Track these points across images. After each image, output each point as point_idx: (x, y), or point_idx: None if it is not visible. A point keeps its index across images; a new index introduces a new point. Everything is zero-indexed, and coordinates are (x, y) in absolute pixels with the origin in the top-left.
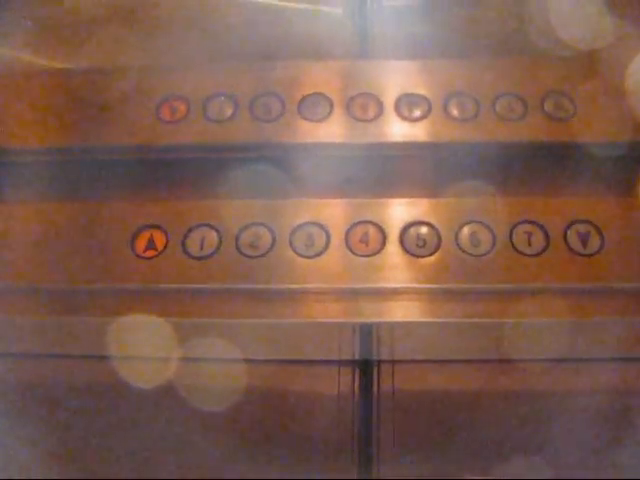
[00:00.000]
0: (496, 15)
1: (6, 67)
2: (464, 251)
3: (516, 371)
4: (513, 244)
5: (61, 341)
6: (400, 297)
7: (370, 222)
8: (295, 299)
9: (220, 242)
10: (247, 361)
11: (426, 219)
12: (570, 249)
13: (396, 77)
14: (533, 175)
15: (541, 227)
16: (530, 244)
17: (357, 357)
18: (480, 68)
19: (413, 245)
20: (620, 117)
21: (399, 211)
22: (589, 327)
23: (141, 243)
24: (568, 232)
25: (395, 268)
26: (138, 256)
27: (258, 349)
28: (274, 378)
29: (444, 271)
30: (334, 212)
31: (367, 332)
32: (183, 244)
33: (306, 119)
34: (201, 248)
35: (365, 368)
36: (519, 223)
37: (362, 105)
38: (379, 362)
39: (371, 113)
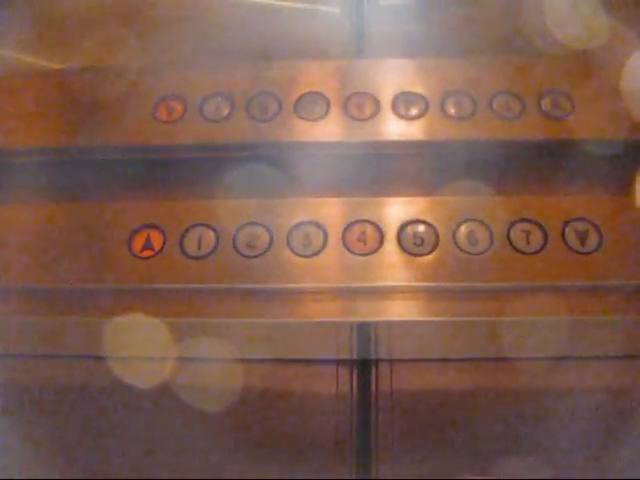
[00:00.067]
0: (493, 14)
1: (4, 67)
2: (462, 249)
3: (514, 370)
4: (511, 242)
5: (58, 341)
6: (398, 296)
7: (367, 221)
8: (293, 298)
9: (217, 242)
10: (245, 361)
11: (423, 218)
12: (568, 247)
13: (393, 76)
14: (531, 173)
15: (539, 225)
16: (528, 242)
17: (355, 356)
18: (477, 66)
19: (411, 244)
20: (617, 115)
21: (396, 210)
22: (588, 325)
23: (138, 243)
24: (566, 230)
25: (393, 267)
26: (135, 256)
27: (256, 349)
28: (272, 378)
29: (442, 270)
30: (331, 211)
31: (365, 331)
32: (180, 244)
33: (303, 118)
34: (198, 248)
35: (363, 367)
36: (517, 221)
37: (359, 104)
38: (377, 361)
39: (368, 112)
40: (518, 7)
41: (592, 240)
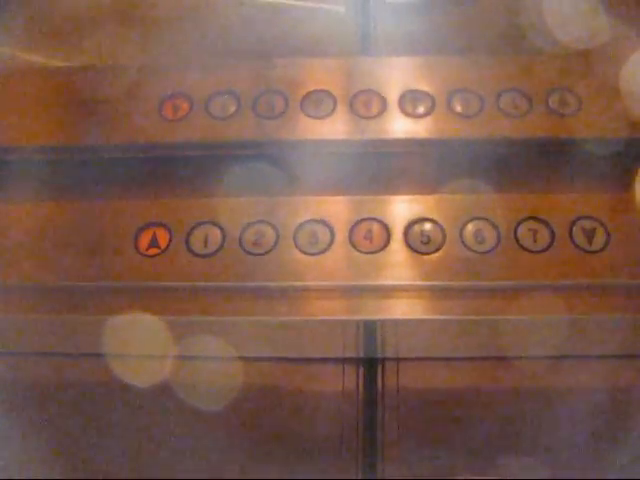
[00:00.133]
0: (499, 13)
1: (8, 65)
2: (468, 248)
3: (521, 368)
4: (518, 241)
5: (64, 339)
6: (404, 294)
7: (374, 219)
8: (299, 296)
9: (224, 240)
10: (251, 359)
11: (430, 216)
12: (575, 246)
13: (400, 73)
14: (538, 171)
15: (546, 224)
16: (535, 241)
17: (361, 355)
18: (484, 64)
19: (417, 242)
20: (625, 113)
21: (403, 208)
22: (596, 324)
23: (144, 241)
24: (573, 228)
25: (399, 265)
26: (141, 254)
27: (262, 347)
28: (278, 376)
29: (448, 268)
30: (338, 209)
31: (371, 329)
32: (187, 242)
33: (309, 116)
34: (205, 246)
35: (369, 366)
36: (524, 220)
37: (365, 102)
38: (383, 360)
39: (375, 110)
40: (523, 5)
41: (599, 239)
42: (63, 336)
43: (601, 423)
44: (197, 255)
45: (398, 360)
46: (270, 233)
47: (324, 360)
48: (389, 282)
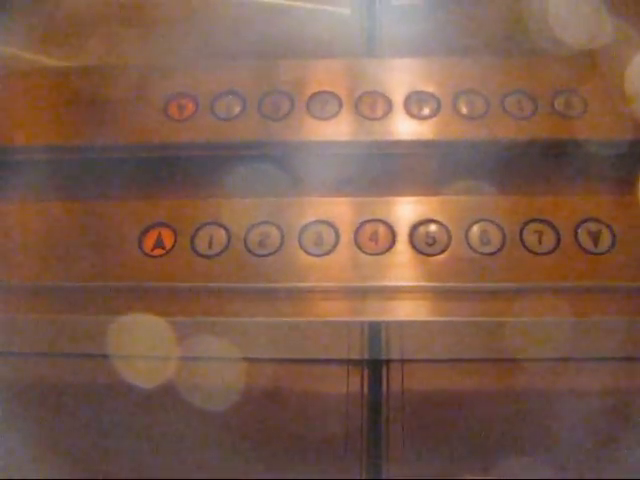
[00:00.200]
0: (505, 14)
1: (13, 65)
2: (474, 250)
3: (526, 370)
4: (523, 243)
5: (68, 340)
6: (409, 296)
7: (379, 220)
8: (304, 298)
9: (229, 241)
10: (255, 360)
11: (436, 217)
12: (581, 248)
13: (405, 75)
14: (543, 173)
15: (551, 225)
16: (540, 243)
17: (366, 356)
18: (489, 66)
19: (423, 243)
20: (631, 114)
21: (409, 209)
22: (601, 326)
23: (149, 241)
24: (579, 231)
25: (405, 266)
26: (146, 254)
27: (266, 348)
28: (282, 377)
29: (454, 270)
30: (343, 210)
31: (376, 331)
32: (192, 242)
33: (315, 117)
34: (210, 247)
35: (374, 367)
36: (529, 221)
37: (371, 103)
38: (388, 361)
39: (380, 111)
40: (528, 7)
41: (605, 241)
42: (67, 336)
43: (605, 425)
44: (202, 256)
45: (403, 362)
46: (275, 234)
47: (329, 361)
48: (394, 283)
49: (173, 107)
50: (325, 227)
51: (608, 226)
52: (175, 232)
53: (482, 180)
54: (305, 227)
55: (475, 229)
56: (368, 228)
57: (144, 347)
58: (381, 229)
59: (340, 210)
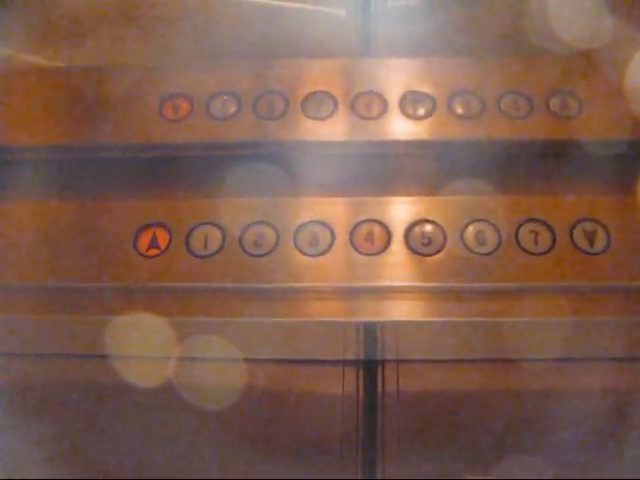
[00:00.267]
0: (500, 14)
1: (10, 65)
2: (469, 250)
3: (522, 371)
4: (519, 243)
5: (63, 340)
6: (405, 296)
7: (375, 220)
8: (299, 298)
9: (224, 241)
10: (250, 360)
11: (431, 217)
12: (576, 248)
13: (400, 75)
14: (539, 173)
15: (547, 226)
16: (536, 243)
17: (361, 357)
18: (485, 66)
19: (418, 244)
20: (627, 115)
21: (404, 209)
22: (597, 326)
23: (144, 242)
24: (574, 231)
25: (400, 267)
26: (141, 255)
27: (262, 348)
28: (278, 378)
29: (449, 270)
30: (338, 211)
31: (372, 331)
32: (187, 243)
33: (310, 117)
34: (205, 247)
35: (369, 368)
36: (525, 222)
37: (366, 103)
38: (383, 362)
39: (375, 111)
40: (525, 7)
41: (601, 241)
42: (62, 337)
43: (603, 425)
44: (197, 256)
45: (398, 362)
46: (270, 234)
47: (324, 362)
48: (389, 284)
49: (168, 107)
50: (320, 227)
51: (603, 226)
52: (170, 232)
53: (478, 180)
54: (300, 227)
55: (471, 229)
56: (363, 228)
57: (140, 347)
58: (376, 229)
59: (335, 210)
